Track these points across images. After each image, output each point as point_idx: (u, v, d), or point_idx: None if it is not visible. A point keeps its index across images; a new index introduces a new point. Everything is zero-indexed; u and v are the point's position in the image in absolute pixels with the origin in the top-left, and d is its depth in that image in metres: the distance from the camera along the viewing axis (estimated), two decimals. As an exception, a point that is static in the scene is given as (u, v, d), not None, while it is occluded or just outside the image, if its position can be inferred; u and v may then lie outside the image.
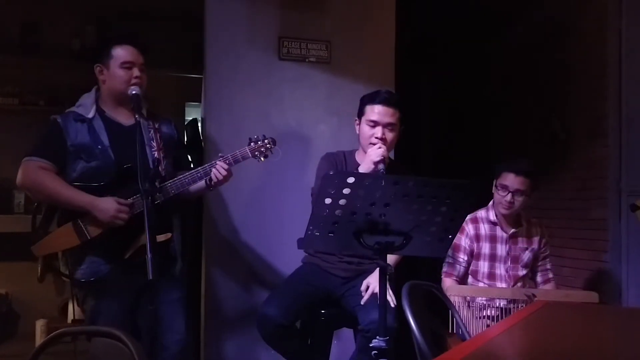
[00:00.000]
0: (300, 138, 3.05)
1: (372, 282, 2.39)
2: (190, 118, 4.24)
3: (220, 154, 2.38)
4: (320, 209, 1.62)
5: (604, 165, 3.36)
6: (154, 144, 2.33)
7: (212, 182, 2.34)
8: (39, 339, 3.74)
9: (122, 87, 2.31)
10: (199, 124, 3.35)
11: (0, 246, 3.86)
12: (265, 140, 2.41)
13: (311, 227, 1.68)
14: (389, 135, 2.45)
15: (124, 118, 2.37)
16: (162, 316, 2.31)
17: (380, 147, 2.37)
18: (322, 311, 2.52)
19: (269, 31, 3.07)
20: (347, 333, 3.03)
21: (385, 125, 2.45)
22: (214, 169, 2.32)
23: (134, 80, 2.31)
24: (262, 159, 2.41)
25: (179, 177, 2.31)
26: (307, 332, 2.59)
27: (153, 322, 2.08)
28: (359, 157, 2.57)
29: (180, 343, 2.35)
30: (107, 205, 2.18)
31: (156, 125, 2.39)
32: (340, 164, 2.58)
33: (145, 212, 2.02)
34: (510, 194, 2.69)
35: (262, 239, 3.02)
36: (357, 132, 2.56)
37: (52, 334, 1.48)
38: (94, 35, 4.24)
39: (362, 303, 2.37)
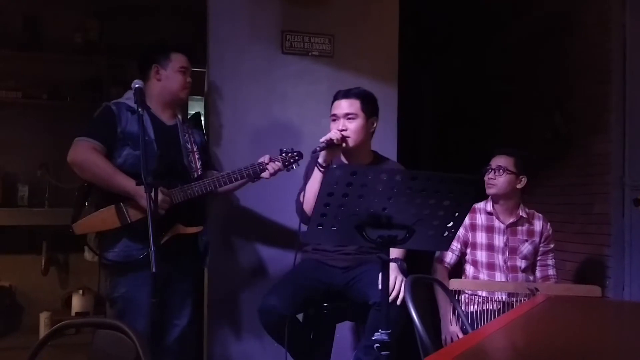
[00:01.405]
0: (303, 132, 3.05)
1: (391, 275, 2.38)
2: (193, 112, 4.25)
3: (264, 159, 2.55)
4: (323, 202, 1.63)
5: (606, 159, 3.35)
6: (189, 146, 2.54)
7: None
8: (43, 332, 3.77)
9: (177, 89, 2.53)
10: (202, 118, 3.36)
11: (4, 239, 3.88)
12: (295, 153, 2.58)
13: (314, 221, 1.68)
14: (350, 125, 2.52)
15: (167, 118, 2.55)
16: (171, 305, 2.46)
17: (335, 130, 2.48)
18: (325, 304, 2.53)
19: (272, 25, 3.07)
20: (349, 327, 3.05)
21: (344, 117, 2.53)
22: (271, 164, 2.51)
23: (187, 85, 2.55)
24: (289, 168, 2.58)
25: (217, 175, 2.47)
26: (310, 326, 2.60)
27: (157, 315, 2.10)
28: (342, 158, 2.61)
29: (183, 331, 2.51)
30: None
31: (190, 130, 2.60)
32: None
33: (148, 206, 2.05)
34: (492, 171, 2.80)
35: (265, 233, 3.02)
36: None
37: (55, 326, 1.49)
38: (96, 29, 4.25)
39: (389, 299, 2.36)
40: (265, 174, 2.52)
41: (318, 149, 2.41)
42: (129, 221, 2.32)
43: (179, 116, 2.60)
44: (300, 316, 2.55)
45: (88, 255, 2.39)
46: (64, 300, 4.09)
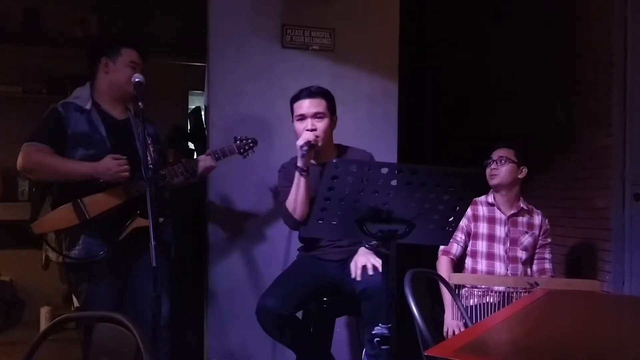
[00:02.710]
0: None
1: (357, 259, 2.41)
2: (194, 106, 4.24)
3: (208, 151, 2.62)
4: (323, 197, 1.62)
5: (607, 154, 3.35)
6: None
7: (198, 175, 2.52)
8: (43, 326, 3.77)
9: (124, 83, 2.44)
10: (202, 112, 3.35)
11: (4, 234, 3.88)
12: (249, 140, 2.62)
13: (314, 216, 1.68)
14: (319, 125, 2.51)
15: (118, 112, 2.50)
16: (145, 284, 2.35)
17: (308, 132, 2.46)
18: (324, 299, 2.53)
19: (273, 19, 3.06)
20: (348, 321, 3.05)
21: (312, 116, 2.51)
22: (200, 163, 2.52)
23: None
24: (245, 155, 2.62)
25: (174, 167, 2.46)
26: (309, 321, 2.60)
27: (157, 309, 2.09)
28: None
29: (167, 319, 2.47)
30: (107, 164, 2.29)
31: (142, 124, 2.48)
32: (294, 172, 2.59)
33: (149, 200, 2.04)
34: (494, 162, 2.87)
35: (264, 230, 3.02)
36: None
37: (55, 320, 1.49)
38: (96, 24, 4.24)
39: (354, 277, 2.38)
40: (199, 170, 2.52)
41: (304, 152, 2.40)
42: (87, 217, 2.29)
43: (131, 110, 2.53)
44: (299, 312, 2.55)
45: (52, 255, 2.36)
46: (65, 295, 4.10)
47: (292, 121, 2.58)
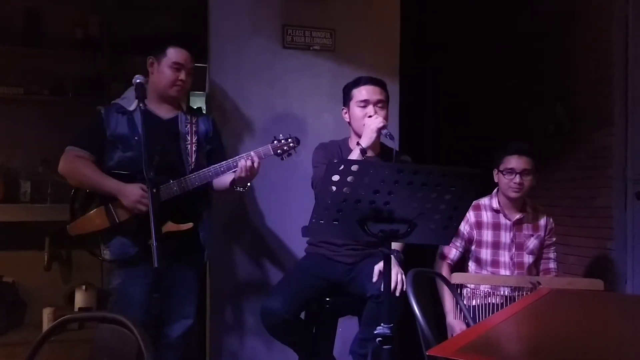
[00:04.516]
0: (305, 127, 3.05)
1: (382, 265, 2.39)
2: (195, 107, 4.24)
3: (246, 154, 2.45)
4: (325, 197, 1.63)
5: (609, 153, 3.35)
6: (189, 137, 2.49)
7: (237, 177, 2.39)
8: (46, 327, 3.77)
9: (165, 86, 2.46)
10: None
11: (7, 235, 3.88)
12: (289, 139, 2.48)
13: (315, 216, 1.68)
14: (381, 113, 2.50)
15: (164, 112, 2.51)
16: (175, 301, 2.46)
17: (377, 117, 2.44)
18: (327, 299, 2.52)
19: (273, 19, 3.06)
20: (351, 321, 3.05)
21: (375, 103, 2.51)
22: (241, 161, 2.37)
23: (178, 82, 2.46)
24: (284, 157, 2.50)
25: (203, 170, 2.41)
26: (312, 321, 2.60)
27: (158, 310, 2.11)
28: (352, 144, 2.59)
29: (188, 327, 2.50)
30: (132, 191, 2.31)
31: (194, 120, 2.55)
32: (336, 153, 2.60)
33: (150, 202, 2.06)
34: (517, 176, 2.69)
35: (267, 229, 3.02)
36: (348, 119, 2.62)
37: (57, 321, 1.49)
38: (97, 25, 4.24)
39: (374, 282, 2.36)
40: (237, 172, 2.38)
41: (388, 133, 2.40)
42: (117, 221, 2.36)
43: (183, 107, 2.57)
44: (302, 314, 2.54)
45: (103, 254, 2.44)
46: (67, 296, 4.10)
47: (345, 105, 2.60)
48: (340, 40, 3.14)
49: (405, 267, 2.25)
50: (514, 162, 2.71)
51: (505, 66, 4.51)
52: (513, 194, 2.71)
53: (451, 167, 1.65)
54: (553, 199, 3.76)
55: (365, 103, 2.51)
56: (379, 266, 2.37)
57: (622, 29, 3.30)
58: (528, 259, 2.77)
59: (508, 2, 4.36)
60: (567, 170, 3.74)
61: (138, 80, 2.26)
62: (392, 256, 2.38)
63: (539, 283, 2.58)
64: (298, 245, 2.80)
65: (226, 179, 2.46)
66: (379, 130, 2.40)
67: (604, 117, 3.38)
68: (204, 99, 3.58)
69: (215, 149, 2.62)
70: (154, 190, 2.10)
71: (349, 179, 1.58)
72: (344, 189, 1.60)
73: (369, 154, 2.48)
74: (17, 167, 4.06)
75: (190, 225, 2.43)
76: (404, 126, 3.28)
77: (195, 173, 2.40)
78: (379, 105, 2.51)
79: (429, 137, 5.43)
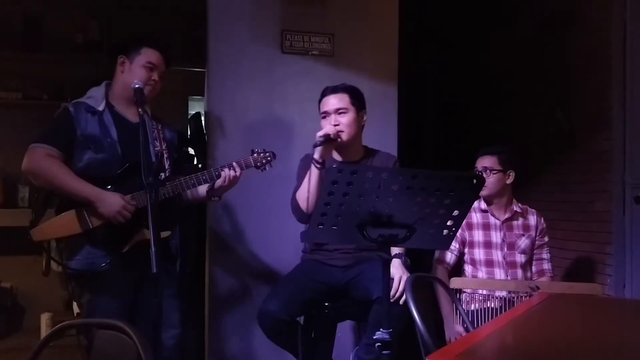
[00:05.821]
0: (304, 132, 3.05)
1: (395, 273, 2.37)
2: (194, 112, 4.25)
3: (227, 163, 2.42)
4: (323, 202, 1.62)
5: (608, 157, 3.35)
6: (157, 142, 2.35)
7: (217, 186, 2.36)
8: (44, 333, 3.77)
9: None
10: (202, 118, 3.36)
11: (5, 240, 3.87)
12: (267, 153, 2.48)
13: (314, 220, 1.68)
14: (342, 120, 2.53)
15: (132, 115, 2.36)
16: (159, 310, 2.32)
17: (330, 125, 2.48)
18: (326, 304, 2.52)
19: (272, 24, 3.07)
20: (350, 326, 3.05)
21: (335, 112, 2.53)
22: (225, 170, 2.34)
23: (150, 82, 2.35)
24: (263, 169, 2.49)
25: (184, 178, 2.32)
26: (311, 326, 2.60)
27: (157, 315, 2.08)
28: (334, 153, 2.61)
29: (176, 337, 2.38)
30: (114, 201, 2.20)
31: (159, 127, 2.43)
32: None
33: (149, 206, 2.00)
34: (479, 174, 2.79)
35: (264, 235, 3.02)
36: None
37: (56, 327, 1.49)
38: (96, 30, 4.25)
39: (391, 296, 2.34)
40: (218, 181, 2.35)
41: (318, 142, 2.40)
42: (90, 227, 2.21)
43: (148, 112, 2.33)
44: (300, 318, 2.54)
45: (54, 264, 2.28)
46: (66, 302, 4.09)
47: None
48: (339, 45, 3.15)
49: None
50: (477, 163, 2.84)
51: (504, 69, 4.52)
52: (480, 193, 2.79)
53: (450, 172, 1.65)
54: (551, 203, 3.76)
55: (326, 114, 2.56)
56: (397, 272, 2.37)
57: (620, 33, 3.30)
58: (520, 258, 2.83)
59: (507, 5, 4.38)
60: (565, 173, 3.74)
61: (137, 85, 2.24)
62: (399, 260, 2.40)
63: (537, 288, 2.58)
64: (296, 253, 2.79)
65: (201, 188, 2.42)
66: (322, 143, 2.41)
67: (603, 121, 3.39)
68: (202, 104, 3.59)
69: (178, 161, 2.55)
70: (153, 195, 2.04)
71: (348, 184, 1.58)
72: (343, 194, 1.60)
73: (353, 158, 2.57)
74: (16, 172, 4.06)
75: (167, 233, 2.35)
76: (404, 129, 3.29)
77: (177, 180, 2.31)
78: (340, 112, 2.53)
79: (429, 140, 5.44)
